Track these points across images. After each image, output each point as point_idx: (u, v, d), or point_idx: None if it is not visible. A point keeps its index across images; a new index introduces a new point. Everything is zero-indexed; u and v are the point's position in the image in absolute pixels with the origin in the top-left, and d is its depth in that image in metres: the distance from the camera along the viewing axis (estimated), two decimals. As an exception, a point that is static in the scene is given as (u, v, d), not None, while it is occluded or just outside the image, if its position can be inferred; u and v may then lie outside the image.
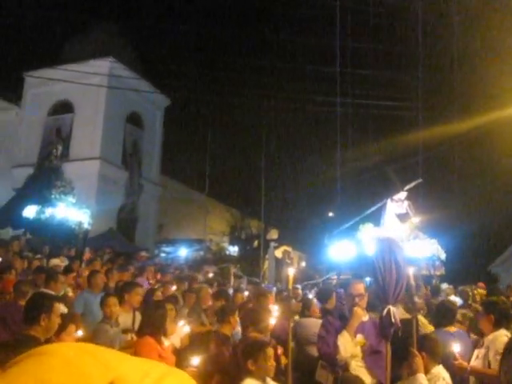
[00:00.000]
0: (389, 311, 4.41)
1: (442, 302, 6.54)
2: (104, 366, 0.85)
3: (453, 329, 5.83)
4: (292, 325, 7.74)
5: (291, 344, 6.25)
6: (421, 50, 23.97)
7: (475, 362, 5.20)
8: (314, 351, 6.10)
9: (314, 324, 6.95)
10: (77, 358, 0.84)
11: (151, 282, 11.82)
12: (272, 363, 4.44)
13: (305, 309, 8.12)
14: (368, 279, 11.24)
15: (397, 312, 4.55)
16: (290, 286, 4.51)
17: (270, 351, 4.47)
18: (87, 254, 16.18)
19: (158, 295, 8.34)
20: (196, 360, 5.19)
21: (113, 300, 6.38)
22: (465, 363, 5.19)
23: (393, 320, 4.41)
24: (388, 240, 4.79)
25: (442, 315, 6.02)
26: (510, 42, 21.57)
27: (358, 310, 4.70)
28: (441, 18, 24.16)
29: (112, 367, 0.84)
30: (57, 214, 20.82)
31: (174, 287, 10.74)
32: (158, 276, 13.79)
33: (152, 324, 5.30)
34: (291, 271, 4.39)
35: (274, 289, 14.56)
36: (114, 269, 11.72)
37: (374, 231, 15.05)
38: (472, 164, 30.36)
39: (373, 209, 16.42)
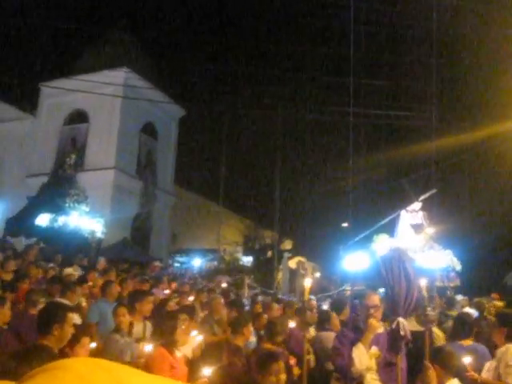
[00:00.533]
0: (398, 323, 4.36)
1: (459, 315, 6.43)
2: (117, 383, 0.83)
3: (468, 342, 5.73)
4: (308, 336, 7.73)
5: (307, 356, 6.20)
6: (435, 59, 23.88)
7: (485, 374, 5.13)
8: (331, 366, 6.03)
9: (333, 338, 6.86)
10: (90, 374, 0.82)
11: (167, 292, 11.76)
12: (283, 376, 4.39)
13: (324, 321, 8.00)
14: (381, 290, 11.11)
15: (407, 324, 4.48)
16: (306, 298, 4.45)
17: (282, 364, 4.42)
18: (102, 264, 16.16)
19: (171, 305, 8.31)
20: (208, 371, 5.15)
21: (122, 310, 6.38)
22: (476, 375, 5.12)
23: (402, 333, 4.35)
24: (397, 250, 4.73)
25: (458, 328, 5.93)
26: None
27: (373, 321, 4.63)
28: (455, 27, 24.07)
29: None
30: (70, 223, 20.89)
31: (191, 298, 10.72)
32: (173, 286, 13.74)
33: (163, 334, 5.27)
34: (308, 282, 4.33)
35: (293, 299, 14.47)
36: (128, 279, 11.74)
37: (388, 242, 14.96)
38: (486, 174, 30.11)
39: (387, 219, 16.33)
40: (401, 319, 4.35)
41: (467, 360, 5.15)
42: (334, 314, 8.44)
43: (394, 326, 4.33)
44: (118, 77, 30.80)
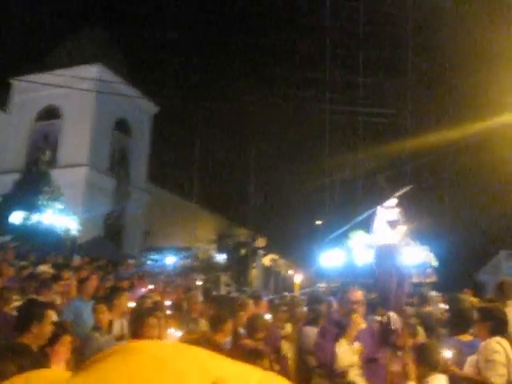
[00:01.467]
0: (389, 318, 4.37)
1: (456, 309, 6.36)
2: (203, 368, 0.82)
3: (467, 337, 5.71)
4: (285, 333, 7.73)
5: (284, 352, 6.18)
6: (411, 55, 24.07)
7: (468, 369, 5.16)
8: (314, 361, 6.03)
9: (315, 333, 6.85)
10: (172, 358, 0.80)
11: (146, 289, 11.67)
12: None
13: (317, 317, 7.95)
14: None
15: (397, 318, 4.50)
16: (297, 293, 4.44)
17: (266, 362, 4.41)
18: (77, 261, 15.98)
19: (148, 303, 8.24)
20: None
21: (102, 307, 6.32)
22: (456, 369, 5.13)
23: (393, 327, 4.36)
24: (388, 246, 4.74)
25: (455, 323, 5.89)
26: (500, 48, 21.71)
27: (356, 317, 4.64)
28: (431, 23, 24.30)
29: (212, 370, 0.81)
30: (44, 221, 20.65)
31: (169, 296, 10.66)
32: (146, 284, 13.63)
33: (135, 331, 5.22)
34: (298, 278, 4.32)
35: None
36: (107, 277, 11.66)
37: (365, 238, 15.08)
38: (463, 170, 30.50)
39: (363, 216, 16.43)
40: (391, 313, 4.37)
41: (448, 354, 5.17)
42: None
43: (385, 320, 4.34)
44: (91, 72, 30.45)
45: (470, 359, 5.13)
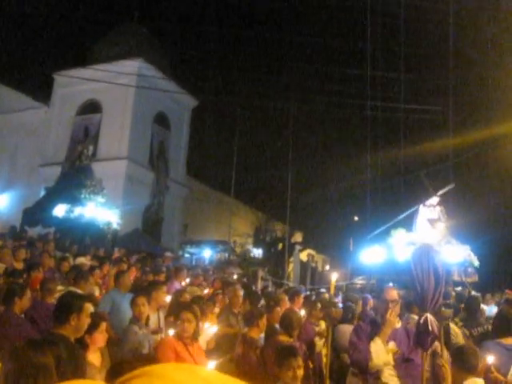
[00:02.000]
0: (426, 319, 4.31)
1: (500, 311, 6.16)
2: None
3: (510, 340, 5.38)
4: (319, 330, 7.71)
5: (319, 350, 6.17)
6: (451, 51, 23.64)
7: (510, 376, 5.01)
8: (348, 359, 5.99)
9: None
10: (188, 382, 0.80)
11: (184, 283, 11.70)
12: (301, 372, 4.38)
13: (352, 315, 7.94)
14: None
15: (434, 320, 4.42)
16: (332, 291, 4.43)
17: (300, 360, 4.41)
18: (117, 254, 16.19)
19: (186, 297, 8.30)
20: (212, 364, 5.14)
21: (142, 299, 6.30)
22: (500, 376, 4.98)
23: (430, 328, 4.30)
24: (426, 246, 4.68)
25: (498, 325, 5.68)
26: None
27: (391, 316, 4.60)
28: (473, 20, 23.84)
29: None
30: (85, 214, 20.99)
31: (206, 290, 10.74)
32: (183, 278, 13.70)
33: (176, 325, 5.28)
34: (334, 276, 4.31)
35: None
36: (146, 270, 11.79)
37: (406, 236, 14.92)
38: (504, 169, 29.88)
39: (405, 214, 16.27)
40: (429, 315, 4.31)
41: (490, 359, 5.02)
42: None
43: (422, 321, 4.29)
44: (131, 67, 30.74)
45: None
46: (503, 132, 20.83)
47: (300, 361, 4.38)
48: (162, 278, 11.01)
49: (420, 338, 4.36)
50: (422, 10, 24.07)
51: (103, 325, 4.80)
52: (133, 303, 6.28)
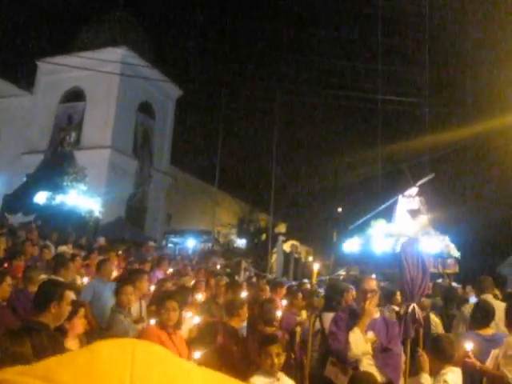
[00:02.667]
0: (413, 309, 4.43)
1: (478, 302, 6.28)
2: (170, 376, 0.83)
3: (488, 331, 5.62)
4: (300, 319, 7.76)
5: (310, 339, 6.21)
6: (426, 45, 23.83)
7: (489, 362, 5.12)
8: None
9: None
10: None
11: (168, 272, 11.72)
12: (281, 360, 4.42)
13: (337, 304, 7.96)
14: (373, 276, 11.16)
15: (419, 309, 4.56)
16: (314, 281, 4.48)
17: (280, 347, 4.45)
18: (101, 243, 16.12)
19: (169, 286, 8.31)
20: (198, 354, 5.18)
21: (129, 288, 6.28)
22: (476, 362, 5.10)
23: (417, 317, 4.42)
24: (414, 240, 4.81)
25: (476, 316, 5.81)
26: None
27: (369, 306, 4.65)
28: (451, 14, 24.03)
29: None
30: (67, 201, 20.86)
31: (192, 280, 10.76)
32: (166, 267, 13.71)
33: (158, 314, 5.28)
34: (316, 266, 4.36)
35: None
36: (131, 260, 11.79)
37: (385, 227, 15.02)
38: (484, 162, 30.16)
39: (385, 205, 16.37)
40: (415, 305, 4.44)
41: (469, 346, 5.15)
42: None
43: (409, 310, 4.42)
44: (115, 55, 30.58)
45: (493, 353, 5.09)
46: (484, 125, 21.02)
47: (280, 349, 4.41)
48: (147, 267, 11.02)
49: (406, 326, 4.46)
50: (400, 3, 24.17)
51: (82, 311, 4.80)
52: (120, 292, 6.23)
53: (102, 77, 29.45)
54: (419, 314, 4.49)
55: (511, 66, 22.25)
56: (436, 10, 23.12)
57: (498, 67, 23.32)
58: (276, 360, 4.35)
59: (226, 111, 32.05)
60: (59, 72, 30.75)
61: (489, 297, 7.45)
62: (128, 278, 7.19)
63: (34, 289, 6.65)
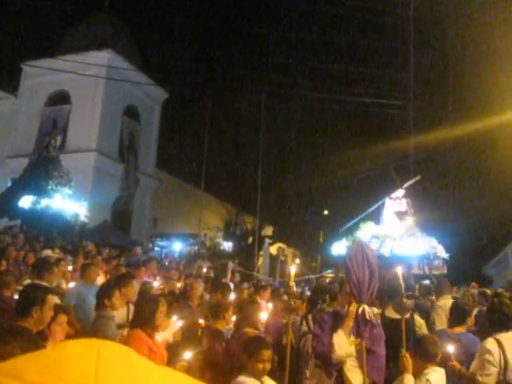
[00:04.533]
0: (363, 310, 4.49)
1: (454, 302, 6.37)
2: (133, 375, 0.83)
3: (457, 330, 5.69)
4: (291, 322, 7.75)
5: (288, 341, 6.19)
6: (412, 47, 23.99)
7: (472, 365, 5.15)
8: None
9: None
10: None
11: (158, 277, 11.63)
12: (268, 365, 4.42)
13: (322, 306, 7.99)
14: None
15: (370, 310, 4.64)
16: (292, 283, 4.48)
17: (269, 353, 4.44)
18: (89, 248, 16.03)
19: (154, 290, 8.26)
20: (188, 354, 5.16)
21: (116, 293, 6.22)
22: (457, 365, 5.13)
23: (368, 317, 4.46)
24: (360, 243, 4.88)
25: (453, 316, 5.88)
26: (505, 43, 21.61)
27: (353, 308, 4.66)
28: (434, 16, 24.20)
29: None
30: (52, 205, 20.76)
31: (179, 284, 10.70)
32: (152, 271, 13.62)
33: (142, 317, 5.24)
34: (293, 269, 4.36)
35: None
36: (117, 263, 11.70)
37: (373, 230, 15.10)
38: (471, 164, 30.38)
39: (373, 208, 16.46)
40: (365, 306, 4.51)
41: (451, 349, 5.18)
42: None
43: (359, 311, 4.48)
44: (101, 58, 30.50)
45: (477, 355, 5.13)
46: (470, 128, 21.18)
47: (270, 354, 4.42)
48: (137, 271, 10.88)
49: (359, 327, 4.52)
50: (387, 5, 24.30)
51: (62, 317, 4.74)
52: (109, 295, 6.14)
53: (88, 80, 29.33)
54: (370, 314, 4.54)
55: (497, 68, 22.43)
56: (420, 12, 23.23)
57: (484, 69, 23.52)
58: (266, 365, 4.36)
59: (212, 114, 32.05)
60: (44, 75, 30.62)
61: (447, 297, 7.95)
62: (115, 282, 7.13)
63: (8, 293, 6.59)
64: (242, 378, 4.37)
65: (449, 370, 4.95)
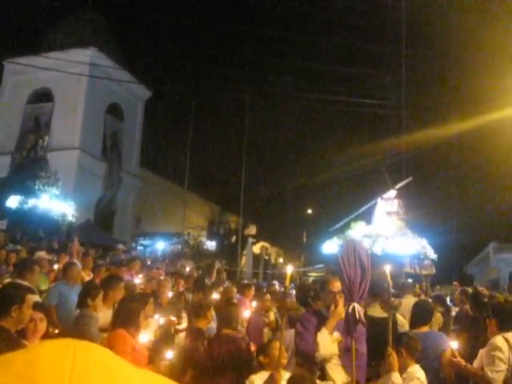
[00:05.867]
0: (354, 308, 4.49)
1: (417, 302, 6.49)
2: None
3: (424, 329, 5.74)
4: (268, 321, 7.76)
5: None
6: (404, 47, 24.05)
7: (476, 362, 5.23)
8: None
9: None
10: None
11: (141, 276, 11.53)
12: (284, 355, 4.51)
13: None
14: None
15: (361, 309, 4.65)
16: (288, 284, 4.47)
17: (277, 344, 4.46)
18: (76, 247, 15.84)
19: (137, 290, 8.19)
20: (170, 353, 5.12)
21: (100, 294, 6.17)
22: (463, 361, 5.20)
23: (357, 316, 4.46)
24: (353, 242, 4.87)
25: (416, 315, 5.96)
26: (494, 42, 21.76)
27: (338, 307, 4.67)
28: (426, 15, 24.29)
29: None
30: (39, 205, 20.65)
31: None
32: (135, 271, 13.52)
33: (126, 317, 5.20)
34: (289, 269, 4.34)
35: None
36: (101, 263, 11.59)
37: (364, 229, 15.23)
38: (458, 166, 30.58)
39: (364, 208, 16.62)
40: (356, 304, 4.50)
41: (454, 345, 5.30)
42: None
43: (350, 310, 4.48)
44: (84, 56, 30.30)
45: (480, 352, 5.20)
46: (459, 130, 21.34)
47: (277, 344, 4.48)
48: (121, 272, 10.75)
49: (349, 325, 4.53)
50: (378, 7, 24.36)
51: (37, 314, 4.65)
52: (93, 297, 6.07)
53: (70, 78, 29.13)
54: (360, 313, 4.56)
55: (488, 67, 22.60)
56: (412, 10, 23.30)
57: (475, 69, 23.66)
58: (275, 356, 4.45)
59: (196, 113, 31.96)
60: (27, 72, 30.33)
61: (410, 296, 8.35)
62: (104, 284, 7.03)
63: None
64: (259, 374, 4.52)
65: (453, 367, 5.07)
